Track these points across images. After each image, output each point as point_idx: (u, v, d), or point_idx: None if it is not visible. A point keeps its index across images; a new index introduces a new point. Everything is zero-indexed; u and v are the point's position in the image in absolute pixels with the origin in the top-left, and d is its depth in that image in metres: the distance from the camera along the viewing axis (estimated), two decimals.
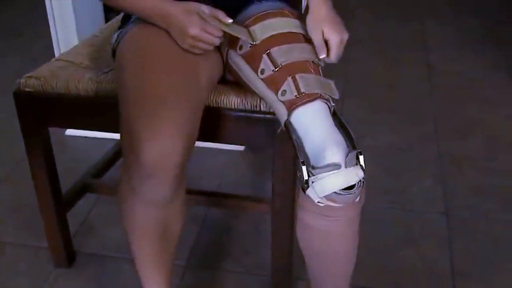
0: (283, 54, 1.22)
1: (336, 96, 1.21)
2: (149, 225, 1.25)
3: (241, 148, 2.21)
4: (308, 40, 1.28)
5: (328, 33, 1.25)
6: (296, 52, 1.24)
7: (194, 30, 1.21)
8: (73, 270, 1.69)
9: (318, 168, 1.10)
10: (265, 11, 1.31)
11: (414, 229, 1.83)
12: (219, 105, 1.36)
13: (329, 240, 1.29)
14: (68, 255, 1.68)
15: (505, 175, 2.08)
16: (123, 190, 1.22)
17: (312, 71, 1.22)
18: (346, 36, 1.26)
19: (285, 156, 1.35)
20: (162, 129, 1.09)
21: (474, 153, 2.21)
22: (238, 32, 1.27)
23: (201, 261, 1.72)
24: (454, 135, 2.32)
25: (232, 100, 1.35)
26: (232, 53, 1.31)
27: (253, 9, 1.33)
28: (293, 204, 1.41)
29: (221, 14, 1.24)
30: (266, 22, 1.28)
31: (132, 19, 1.35)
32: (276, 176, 1.40)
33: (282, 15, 1.31)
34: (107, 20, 2.29)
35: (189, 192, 1.30)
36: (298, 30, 1.29)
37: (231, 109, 1.36)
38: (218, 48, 1.34)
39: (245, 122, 1.36)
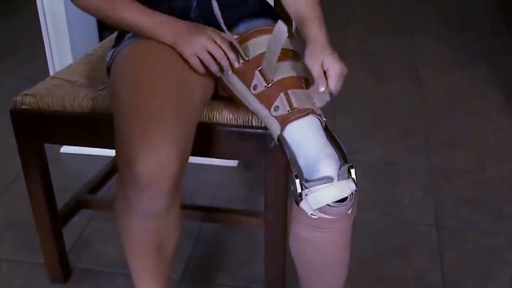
0: (277, 72, 1.25)
1: (328, 99, 1.24)
2: (145, 238, 1.27)
3: (234, 164, 2.24)
4: (298, 57, 1.31)
5: (329, 63, 1.22)
6: (288, 69, 1.27)
7: (204, 37, 1.26)
8: (69, 286, 1.70)
9: (311, 181, 1.13)
10: (257, 28, 1.34)
11: (405, 240, 1.86)
12: (212, 120, 1.38)
13: (321, 251, 1.31)
14: (63, 271, 1.69)
15: (494, 187, 2.11)
16: (119, 203, 1.23)
17: (304, 86, 1.25)
18: (345, 68, 1.24)
19: (277, 170, 1.38)
20: (156, 142, 1.12)
21: (464, 165, 2.25)
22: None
23: (196, 275, 1.74)
24: (443, 148, 2.36)
25: (224, 116, 1.38)
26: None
27: (245, 26, 1.37)
28: (285, 217, 1.44)
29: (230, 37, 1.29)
30: (259, 39, 1.32)
31: (126, 38, 1.38)
32: (268, 189, 1.42)
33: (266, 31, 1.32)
34: (101, 39, 2.32)
35: (183, 207, 1.32)
36: (289, 47, 1.32)
37: (223, 125, 1.38)
38: None
39: (237, 137, 1.39)
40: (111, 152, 2.06)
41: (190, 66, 1.29)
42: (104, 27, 2.36)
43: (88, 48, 1.81)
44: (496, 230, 1.90)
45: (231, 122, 1.38)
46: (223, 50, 1.27)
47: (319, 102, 1.24)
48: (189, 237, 1.86)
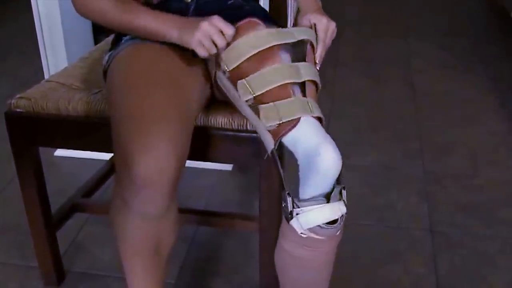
0: (260, 83, 1.23)
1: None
2: (142, 240, 1.27)
3: (228, 167, 2.24)
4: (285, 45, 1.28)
5: (316, 17, 1.27)
6: (272, 77, 1.23)
7: (214, 20, 1.22)
8: None
9: (303, 201, 1.15)
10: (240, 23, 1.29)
11: (399, 245, 1.86)
12: (207, 124, 1.39)
13: (306, 268, 1.30)
14: (58, 275, 1.69)
15: (488, 192, 2.12)
16: (116, 205, 1.24)
17: (292, 92, 1.22)
18: (333, 23, 1.28)
19: (271, 174, 1.38)
20: (154, 143, 1.12)
21: (458, 170, 2.25)
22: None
23: (191, 280, 1.74)
24: (438, 153, 2.36)
25: (219, 120, 1.38)
26: (220, 74, 1.34)
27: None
28: (280, 222, 1.43)
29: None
30: (235, 43, 1.26)
31: (123, 41, 1.38)
32: (263, 194, 1.42)
33: (254, 27, 1.28)
34: (96, 42, 2.32)
35: (179, 211, 1.32)
36: (273, 41, 1.26)
37: (218, 129, 1.38)
38: (206, 68, 1.37)
39: (232, 141, 1.39)
40: (106, 156, 2.08)
41: (188, 69, 1.28)
42: (99, 31, 2.35)
43: (83, 51, 1.81)
44: (490, 235, 1.91)
45: (226, 126, 1.38)
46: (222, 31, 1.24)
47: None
48: (183, 241, 1.86)
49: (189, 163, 1.26)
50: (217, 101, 1.42)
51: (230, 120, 1.38)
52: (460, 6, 4.14)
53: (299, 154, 1.18)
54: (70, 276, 1.74)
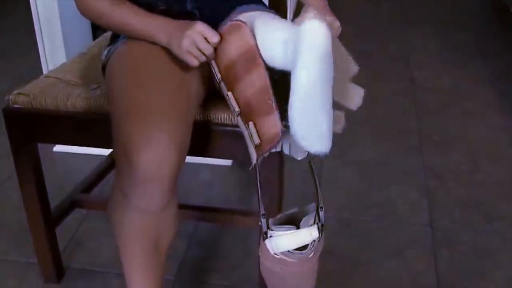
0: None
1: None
2: (141, 234, 1.26)
3: (228, 163, 2.23)
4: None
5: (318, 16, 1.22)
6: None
7: (197, 27, 1.21)
8: (62, 286, 1.69)
9: (275, 225, 1.16)
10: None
11: (399, 241, 1.86)
12: (207, 120, 1.38)
13: (286, 282, 1.30)
14: (57, 271, 1.69)
15: (488, 188, 2.12)
16: (116, 199, 1.23)
17: (271, 96, 1.17)
18: (337, 22, 1.30)
19: (270, 170, 1.37)
20: (155, 137, 1.12)
21: (458, 166, 2.25)
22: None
23: (190, 276, 1.74)
24: (438, 148, 2.36)
25: (219, 115, 1.38)
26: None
27: (238, 10, 1.32)
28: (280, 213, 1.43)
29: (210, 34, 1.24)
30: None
31: (121, 36, 1.38)
32: (262, 189, 1.41)
33: (237, 30, 1.23)
34: (94, 37, 2.31)
35: (178, 207, 1.32)
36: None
37: (218, 124, 1.38)
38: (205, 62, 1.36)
39: (232, 136, 1.38)
40: (105, 151, 2.07)
41: (186, 64, 1.28)
42: (98, 26, 2.34)
43: (82, 46, 1.81)
44: (490, 230, 1.91)
45: (226, 122, 1.38)
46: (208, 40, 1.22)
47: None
48: (183, 237, 1.85)
49: (189, 159, 1.26)
50: (217, 96, 1.42)
51: (230, 115, 1.37)
52: (461, 0, 4.12)
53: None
54: (69, 272, 1.73)
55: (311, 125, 1.11)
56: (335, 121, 1.20)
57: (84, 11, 1.36)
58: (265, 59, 1.19)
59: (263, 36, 1.20)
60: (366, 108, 2.65)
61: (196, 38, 1.21)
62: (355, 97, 1.26)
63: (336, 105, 1.23)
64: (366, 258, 1.79)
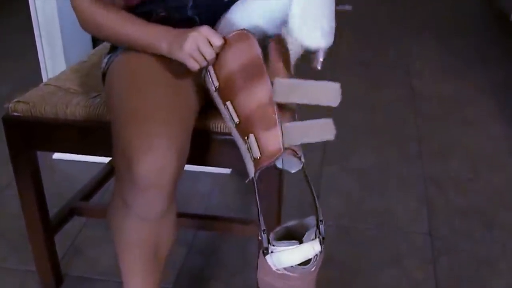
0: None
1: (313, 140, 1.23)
2: (141, 241, 1.27)
3: (227, 171, 2.23)
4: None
5: None
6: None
7: (203, 30, 1.20)
8: None
9: (276, 241, 1.14)
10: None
11: (398, 249, 1.86)
12: (206, 128, 1.38)
13: None
14: (56, 278, 1.68)
15: (488, 196, 2.11)
16: (116, 206, 1.24)
17: (275, 110, 1.17)
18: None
19: (269, 178, 1.37)
20: (155, 144, 1.12)
21: (457, 174, 2.25)
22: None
23: (189, 284, 1.73)
24: (437, 156, 2.36)
25: (218, 124, 1.38)
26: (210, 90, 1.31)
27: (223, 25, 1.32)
28: (278, 226, 1.43)
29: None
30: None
31: None
32: (261, 198, 1.41)
33: (243, 39, 1.22)
34: (94, 45, 2.31)
35: (177, 215, 1.32)
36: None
37: (217, 133, 1.38)
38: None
39: (231, 145, 1.38)
40: (104, 159, 2.07)
41: (186, 70, 1.28)
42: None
43: (82, 54, 1.81)
44: (489, 239, 1.90)
45: (225, 131, 1.37)
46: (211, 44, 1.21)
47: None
48: (182, 245, 1.85)
49: (188, 167, 1.26)
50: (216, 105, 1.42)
51: None
52: (460, 8, 4.14)
53: None
54: (68, 280, 1.73)
55: (311, 18, 1.21)
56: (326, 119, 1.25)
57: (83, 23, 1.35)
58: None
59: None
60: (365, 116, 2.67)
61: (200, 40, 1.20)
62: (331, 92, 1.26)
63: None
64: (366, 266, 1.79)
